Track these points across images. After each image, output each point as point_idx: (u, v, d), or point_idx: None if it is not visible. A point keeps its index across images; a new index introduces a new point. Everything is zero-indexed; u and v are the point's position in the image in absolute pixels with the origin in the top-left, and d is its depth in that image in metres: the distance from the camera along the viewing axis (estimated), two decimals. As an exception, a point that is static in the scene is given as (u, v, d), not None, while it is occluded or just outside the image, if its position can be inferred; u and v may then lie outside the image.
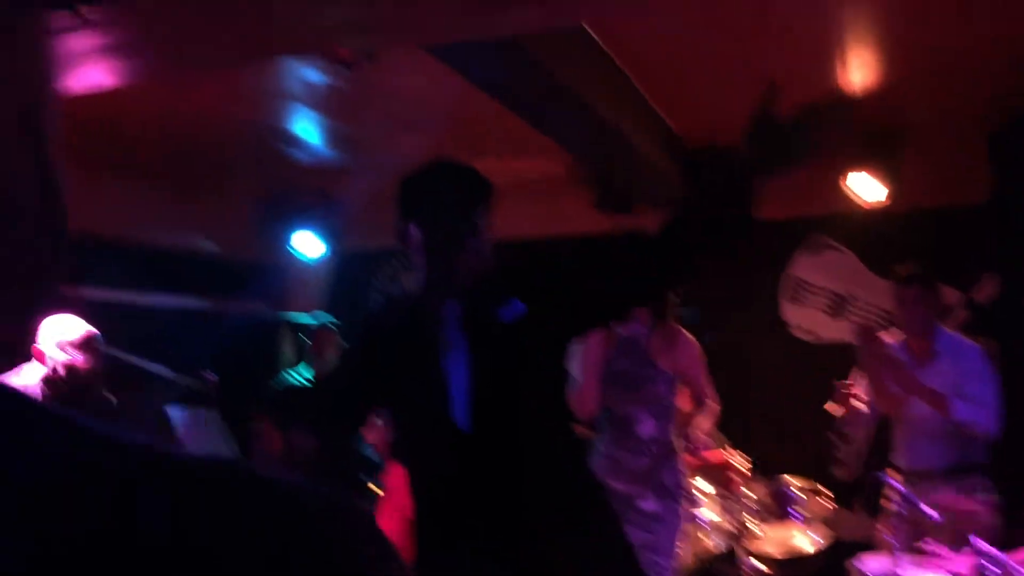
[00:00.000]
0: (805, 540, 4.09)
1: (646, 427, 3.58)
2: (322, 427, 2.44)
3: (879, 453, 4.13)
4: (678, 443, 3.67)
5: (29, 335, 2.70)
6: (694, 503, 3.82)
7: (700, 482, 4.11)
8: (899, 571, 2.80)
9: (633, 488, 3.53)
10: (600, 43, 3.92)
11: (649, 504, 3.52)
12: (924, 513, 3.11)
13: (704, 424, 3.79)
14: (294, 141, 5.24)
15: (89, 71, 2.80)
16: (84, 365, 2.81)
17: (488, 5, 2.48)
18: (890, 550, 2.99)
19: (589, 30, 3.80)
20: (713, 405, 3.79)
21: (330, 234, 6.25)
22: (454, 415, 1.96)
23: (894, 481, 3.39)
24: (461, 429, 1.95)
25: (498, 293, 2.03)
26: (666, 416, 3.63)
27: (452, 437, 1.96)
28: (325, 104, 4.59)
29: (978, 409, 3.61)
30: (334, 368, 2.56)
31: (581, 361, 3.66)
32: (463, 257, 2.02)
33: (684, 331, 3.82)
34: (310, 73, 3.94)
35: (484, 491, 1.95)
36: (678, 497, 3.60)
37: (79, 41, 2.55)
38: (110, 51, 2.69)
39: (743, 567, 4.02)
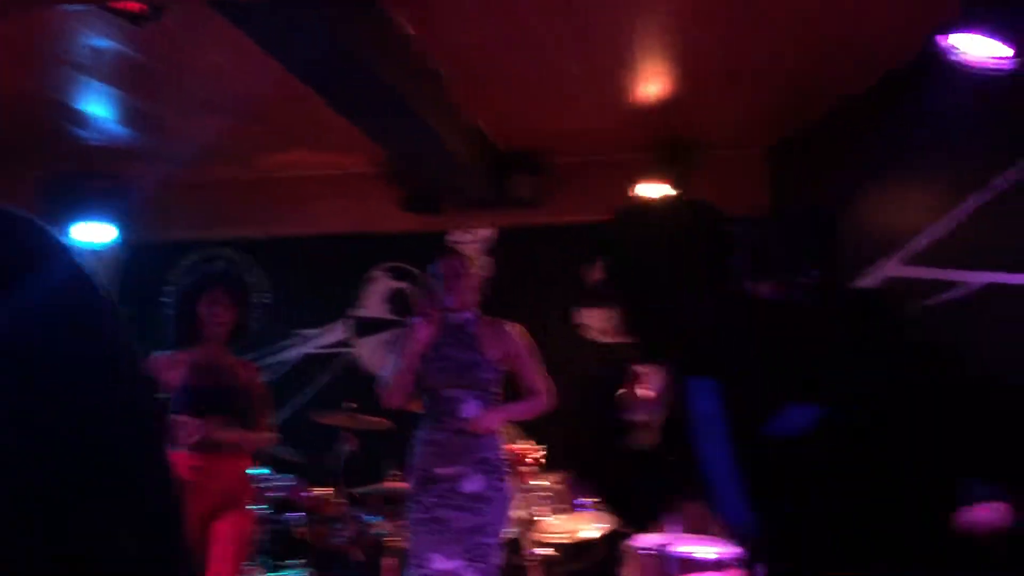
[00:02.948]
0: (591, 527, 4.26)
1: (470, 408, 3.60)
2: None
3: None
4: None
5: None
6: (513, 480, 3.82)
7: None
8: (669, 546, 2.98)
9: (457, 469, 3.54)
10: (416, 42, 3.97)
11: (474, 484, 3.51)
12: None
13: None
14: (82, 118, 4.93)
15: None
16: None
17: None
18: (666, 529, 3.18)
19: (407, 28, 3.83)
20: (544, 398, 3.77)
21: (120, 222, 5.92)
22: None
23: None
24: None
25: None
26: (491, 400, 3.67)
27: None
28: (121, 77, 4.36)
29: None
30: None
31: (405, 345, 3.67)
32: None
33: (510, 322, 3.90)
34: (100, 40, 3.73)
35: None
36: (503, 475, 3.62)
37: None
38: None
39: (526, 554, 4.14)
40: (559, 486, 4.24)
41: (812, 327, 1.80)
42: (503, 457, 3.63)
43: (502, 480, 3.59)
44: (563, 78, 4.38)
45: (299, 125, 4.99)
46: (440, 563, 3.43)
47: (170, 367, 3.97)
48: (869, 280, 4.52)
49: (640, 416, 4.01)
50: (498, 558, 3.54)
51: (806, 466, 1.71)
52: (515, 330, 3.81)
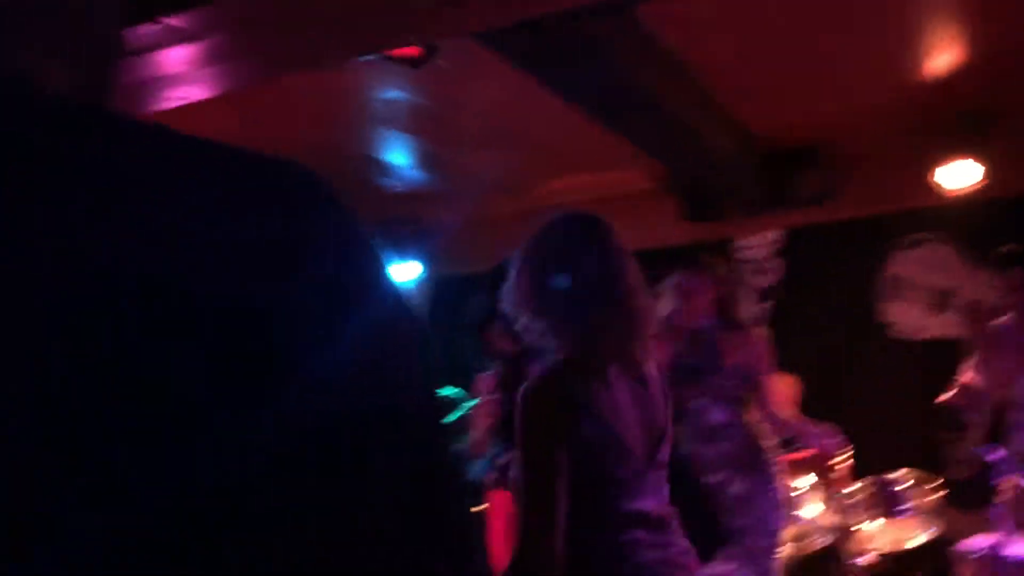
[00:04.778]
0: (912, 534, 3.94)
1: (716, 415, 3.56)
2: None
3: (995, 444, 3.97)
4: (760, 426, 3.59)
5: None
6: (786, 481, 3.70)
7: (801, 479, 4.02)
8: (1001, 549, 2.69)
9: (720, 475, 3.50)
10: (674, 51, 3.97)
11: (738, 487, 3.47)
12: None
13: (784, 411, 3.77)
14: (385, 168, 5.41)
15: (182, 85, 3.00)
16: None
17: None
18: (997, 530, 2.88)
19: (670, 42, 3.84)
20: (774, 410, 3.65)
21: (425, 258, 6.41)
22: None
23: (1001, 458, 3.26)
24: None
25: None
26: (736, 402, 3.58)
27: None
28: (409, 123, 4.73)
29: None
30: None
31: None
32: None
33: (753, 329, 3.81)
34: (388, 90, 4.07)
35: None
36: (769, 476, 3.52)
37: (166, 56, 2.74)
38: (198, 62, 2.87)
39: (846, 564, 3.90)
40: (872, 491, 3.97)
41: None
42: (769, 459, 3.50)
43: (769, 481, 3.48)
44: (834, 65, 4.16)
45: (573, 150, 5.14)
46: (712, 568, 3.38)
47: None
48: None
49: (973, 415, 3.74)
50: (773, 559, 3.43)
51: None
52: (755, 335, 3.71)
